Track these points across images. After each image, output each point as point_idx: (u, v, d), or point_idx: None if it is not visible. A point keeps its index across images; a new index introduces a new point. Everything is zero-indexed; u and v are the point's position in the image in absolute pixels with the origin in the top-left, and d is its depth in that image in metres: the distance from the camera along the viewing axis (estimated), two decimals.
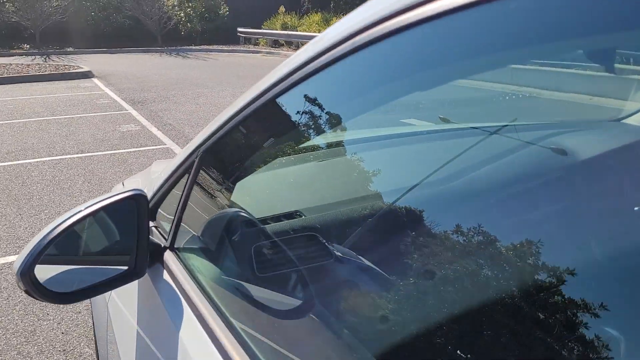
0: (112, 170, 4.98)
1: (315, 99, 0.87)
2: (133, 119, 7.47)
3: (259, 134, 1.11)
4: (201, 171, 1.10)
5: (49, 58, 16.23)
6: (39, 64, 13.97)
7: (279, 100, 0.90)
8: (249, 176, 1.07)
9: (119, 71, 13.17)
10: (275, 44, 19.42)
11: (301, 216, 1.14)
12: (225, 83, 10.99)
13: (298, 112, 0.99)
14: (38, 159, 5.39)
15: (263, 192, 1.25)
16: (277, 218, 1.13)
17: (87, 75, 12.29)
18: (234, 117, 0.96)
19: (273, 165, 1.35)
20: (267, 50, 18.52)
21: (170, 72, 12.88)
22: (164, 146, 5.96)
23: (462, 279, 1.26)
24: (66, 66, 13.28)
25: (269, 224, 1.11)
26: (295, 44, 18.43)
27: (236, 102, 0.95)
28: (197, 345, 0.85)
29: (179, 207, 1.05)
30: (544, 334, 1.11)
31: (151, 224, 1.21)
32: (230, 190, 1.15)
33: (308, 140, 1.18)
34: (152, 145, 5.98)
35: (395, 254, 1.17)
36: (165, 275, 1.05)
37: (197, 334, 0.86)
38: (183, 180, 1.10)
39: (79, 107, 8.42)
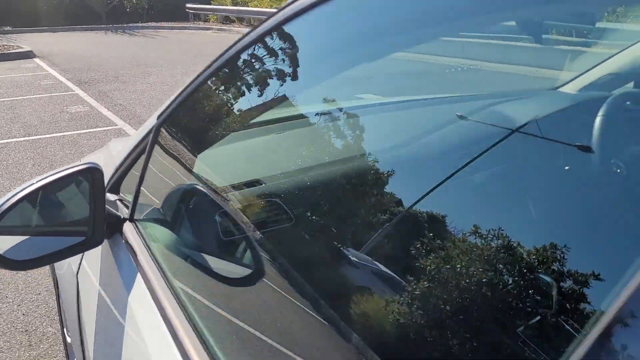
0: (62, 153, 4.87)
1: (274, 70, 0.92)
2: (81, 100, 7.25)
3: (218, 105, 1.15)
4: (162, 144, 1.14)
5: None
6: None
7: (237, 72, 0.95)
8: (210, 148, 1.12)
9: (62, 50, 12.65)
10: (226, 20, 19.04)
11: (262, 184, 1.21)
12: (176, 61, 10.76)
13: (256, 84, 1.04)
14: None
15: (224, 164, 1.31)
16: (238, 187, 1.19)
17: (28, 55, 11.76)
18: (193, 90, 1.00)
19: (233, 138, 1.41)
20: (218, 27, 18.14)
21: (117, 51, 12.47)
22: (116, 127, 5.84)
23: (409, 239, 1.36)
24: (5, 46, 12.63)
25: (230, 192, 1.17)
26: (246, 20, 18.12)
27: (196, 75, 0.99)
28: (145, 313, 0.90)
29: (139, 180, 1.10)
30: (486, 286, 1.24)
31: (115, 197, 1.25)
32: (192, 162, 1.19)
33: (267, 112, 1.24)
34: (104, 127, 5.84)
35: (353, 216, 1.26)
36: (124, 245, 1.10)
37: (146, 301, 0.91)
38: (144, 154, 1.14)
39: (23, 88, 8.09)
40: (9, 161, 4.65)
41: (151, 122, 1.13)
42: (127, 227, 1.13)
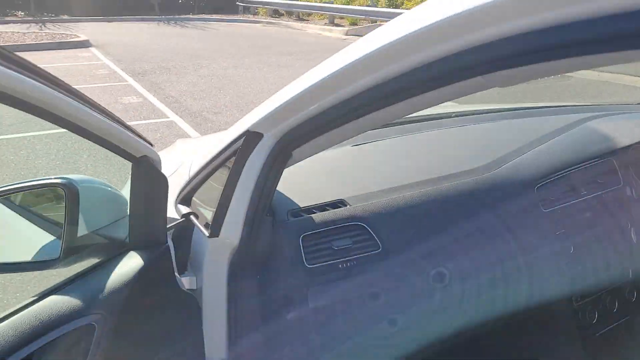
0: None
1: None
2: (134, 91, 7.36)
3: None
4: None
5: (45, 26, 15.91)
6: (35, 32, 13.68)
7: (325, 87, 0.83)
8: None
9: (116, 40, 12.93)
10: (276, 13, 19.08)
11: (346, 205, 1.10)
12: (226, 54, 10.82)
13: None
14: (42, 132, 5.31)
15: (305, 180, 1.21)
16: (322, 207, 1.09)
17: (84, 44, 12.06)
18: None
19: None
20: (267, 21, 18.19)
21: (169, 42, 12.66)
22: (167, 119, 5.88)
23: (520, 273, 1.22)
24: (63, 35, 13.01)
25: (314, 213, 1.07)
26: (295, 14, 18.10)
27: (293, 83, 0.90)
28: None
29: (224, 193, 0.99)
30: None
31: (187, 209, 1.17)
32: None
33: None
34: (156, 118, 5.89)
35: (450, 244, 1.14)
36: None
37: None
38: (225, 167, 1.04)
39: (78, 77, 8.28)
40: (66, 151, 4.73)
41: (238, 130, 1.01)
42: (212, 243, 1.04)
